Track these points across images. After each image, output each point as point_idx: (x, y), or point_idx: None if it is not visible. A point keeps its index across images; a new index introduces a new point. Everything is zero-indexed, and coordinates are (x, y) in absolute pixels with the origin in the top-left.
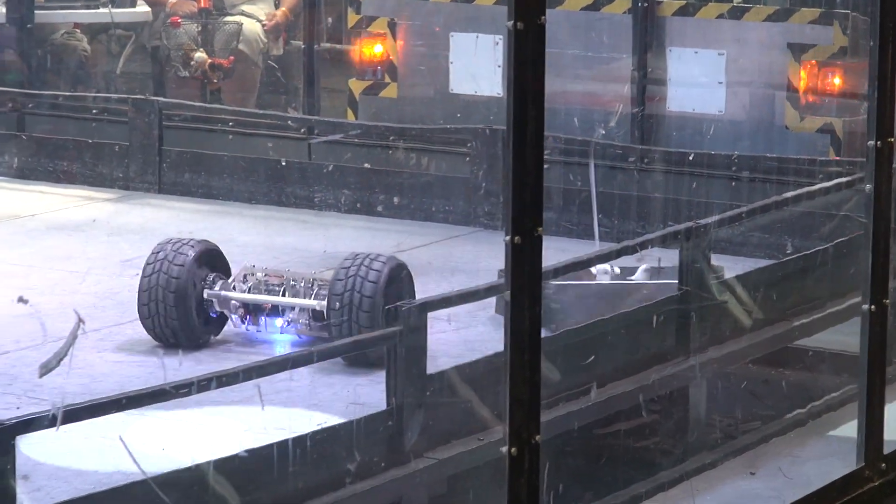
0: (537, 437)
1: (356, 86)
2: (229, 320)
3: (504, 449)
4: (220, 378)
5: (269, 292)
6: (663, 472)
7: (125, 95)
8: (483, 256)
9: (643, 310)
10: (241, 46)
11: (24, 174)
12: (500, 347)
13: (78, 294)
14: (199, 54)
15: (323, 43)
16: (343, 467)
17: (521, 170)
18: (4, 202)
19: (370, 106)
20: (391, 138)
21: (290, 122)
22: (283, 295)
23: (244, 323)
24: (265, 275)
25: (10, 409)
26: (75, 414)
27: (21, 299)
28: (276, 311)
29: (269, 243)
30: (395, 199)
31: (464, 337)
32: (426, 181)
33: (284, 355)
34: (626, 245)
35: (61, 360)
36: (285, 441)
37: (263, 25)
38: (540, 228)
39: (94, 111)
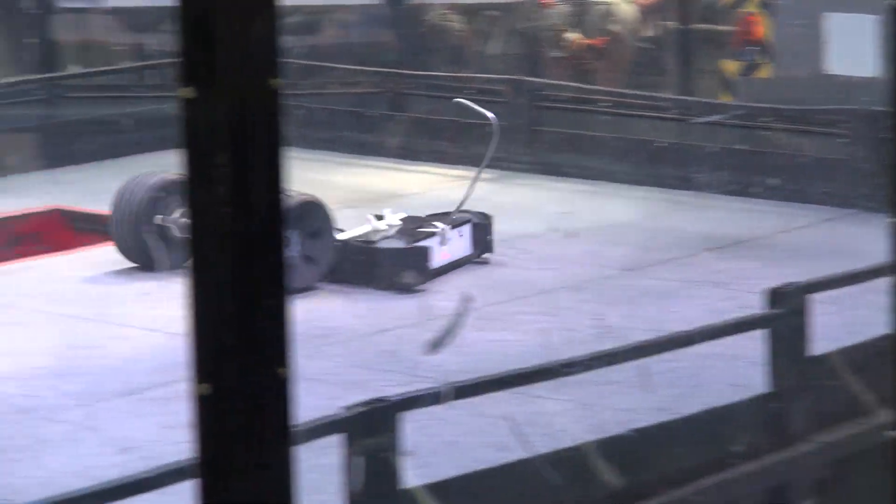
0: None
1: (728, 66)
2: None
3: (891, 433)
4: (603, 357)
5: None
6: None
7: (500, 76)
8: (862, 239)
9: None
10: (613, 27)
11: (403, 154)
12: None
13: (461, 275)
14: (573, 35)
15: (695, 24)
16: (727, 448)
17: None
18: (385, 181)
19: (744, 86)
20: (766, 120)
21: (664, 102)
22: None
23: None
24: None
25: (393, 386)
26: (461, 391)
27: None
28: None
29: (648, 225)
30: (772, 181)
31: (844, 320)
32: (802, 163)
33: (667, 336)
34: None
35: (449, 337)
36: (672, 422)
37: (637, 5)
38: None
39: (470, 91)
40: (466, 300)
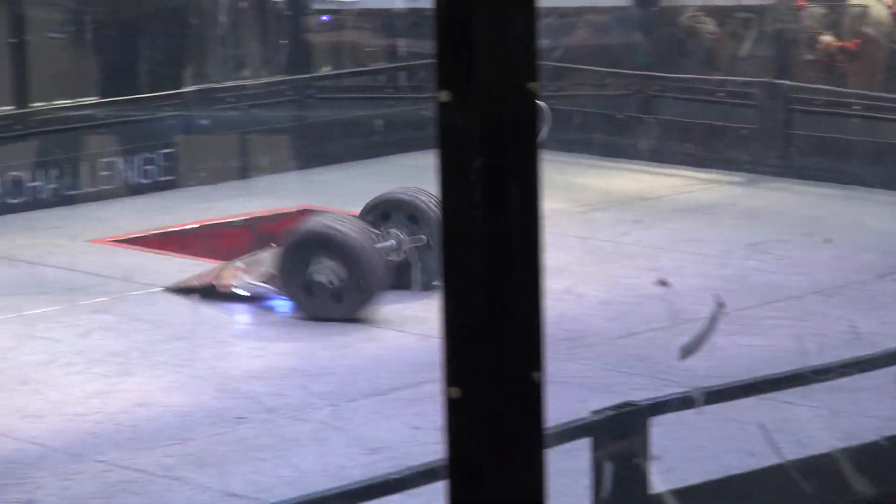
0: None
1: None
2: None
3: None
4: (855, 363)
5: None
6: None
7: (753, 79)
8: None
9: None
10: (867, 29)
11: (653, 156)
12: None
13: (706, 277)
14: (826, 37)
15: None
16: None
17: None
18: (634, 184)
19: None
20: None
21: None
22: None
23: None
24: None
25: (641, 390)
26: (711, 396)
27: (662, 282)
28: None
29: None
30: None
31: None
32: None
33: None
34: None
35: (702, 343)
36: None
37: (890, 8)
38: None
39: (721, 94)
40: (719, 305)
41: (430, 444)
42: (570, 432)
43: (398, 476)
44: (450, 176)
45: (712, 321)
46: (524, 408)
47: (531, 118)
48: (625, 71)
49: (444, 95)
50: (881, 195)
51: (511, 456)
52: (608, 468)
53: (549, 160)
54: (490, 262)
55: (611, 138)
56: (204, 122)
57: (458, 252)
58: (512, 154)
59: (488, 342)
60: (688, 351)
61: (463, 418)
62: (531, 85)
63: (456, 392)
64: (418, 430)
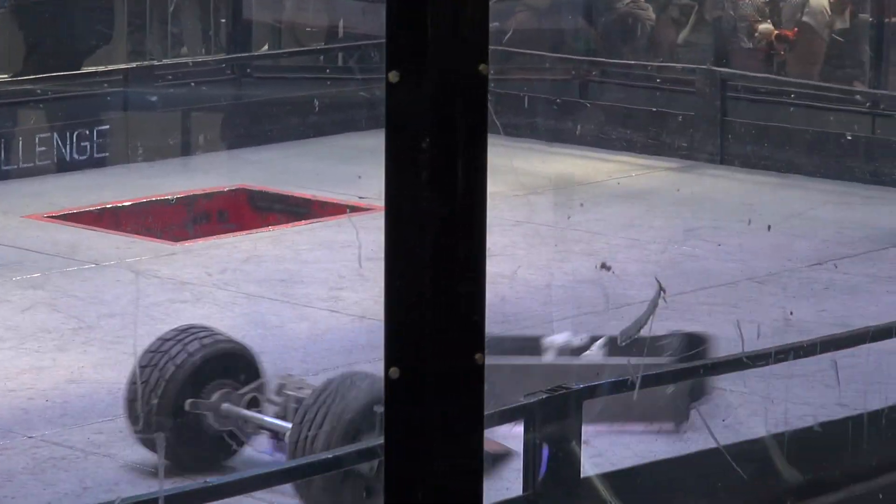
0: None
1: None
2: None
3: None
4: (787, 350)
5: None
6: None
7: (691, 66)
8: None
9: None
10: (805, 18)
11: (589, 142)
12: None
13: (643, 263)
14: (765, 26)
15: (890, 17)
16: None
17: None
18: (574, 168)
19: None
20: None
21: (857, 96)
22: None
23: None
24: None
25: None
26: (643, 380)
27: (604, 265)
28: None
29: (836, 219)
30: None
31: None
32: None
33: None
34: None
35: (641, 328)
36: (859, 416)
37: None
38: None
39: (660, 80)
40: (660, 290)
41: None
42: (505, 414)
43: (338, 454)
44: (397, 156)
45: (652, 306)
46: (466, 390)
47: (482, 100)
48: (565, 56)
49: (394, 76)
50: (818, 183)
51: (452, 437)
52: (541, 451)
53: (490, 144)
54: (434, 243)
55: (551, 123)
56: (141, 99)
57: (402, 232)
58: (461, 136)
59: (431, 323)
60: (628, 335)
61: (403, 399)
62: (482, 67)
63: (396, 372)
64: None
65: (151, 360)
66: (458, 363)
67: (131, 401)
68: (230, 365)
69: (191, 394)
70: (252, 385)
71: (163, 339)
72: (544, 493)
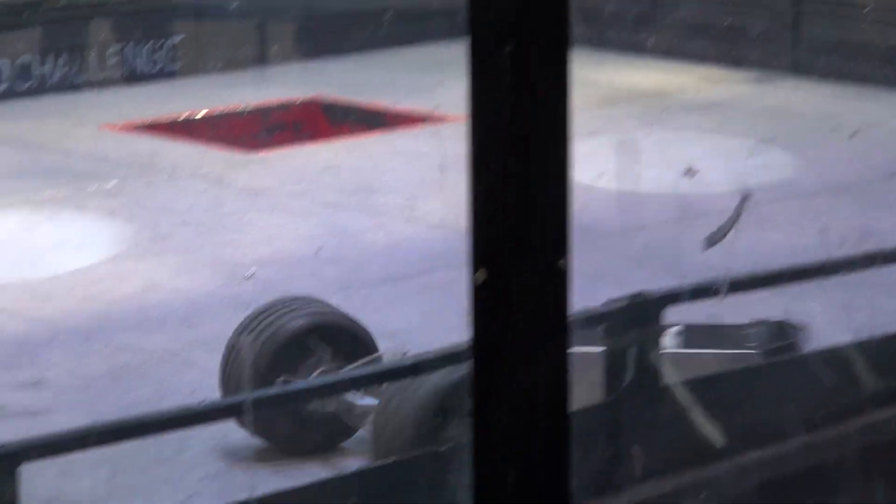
0: None
1: None
2: None
3: None
4: (866, 259)
5: None
6: None
7: None
8: None
9: None
10: None
11: (667, 53)
12: None
13: (718, 173)
14: None
15: None
16: None
17: None
18: (646, 81)
19: None
20: None
21: None
22: None
23: None
24: None
25: (652, 282)
26: (725, 287)
27: (689, 171)
28: None
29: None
30: None
31: None
32: None
33: None
34: None
35: (726, 235)
36: None
37: None
38: None
39: None
40: (745, 197)
41: (442, 332)
42: (588, 320)
43: (424, 358)
44: (479, 62)
45: (737, 213)
46: (550, 294)
47: (564, 6)
48: None
49: None
50: (888, 94)
51: (536, 341)
52: (623, 358)
53: None
54: (518, 149)
55: (627, 35)
56: (215, 9)
57: (486, 139)
58: (543, 42)
59: (516, 228)
60: (712, 242)
61: (488, 304)
62: None
63: (482, 275)
64: (429, 317)
65: (248, 328)
66: (543, 268)
67: (225, 367)
68: (338, 340)
69: (285, 369)
70: (355, 364)
71: (265, 307)
72: (625, 399)
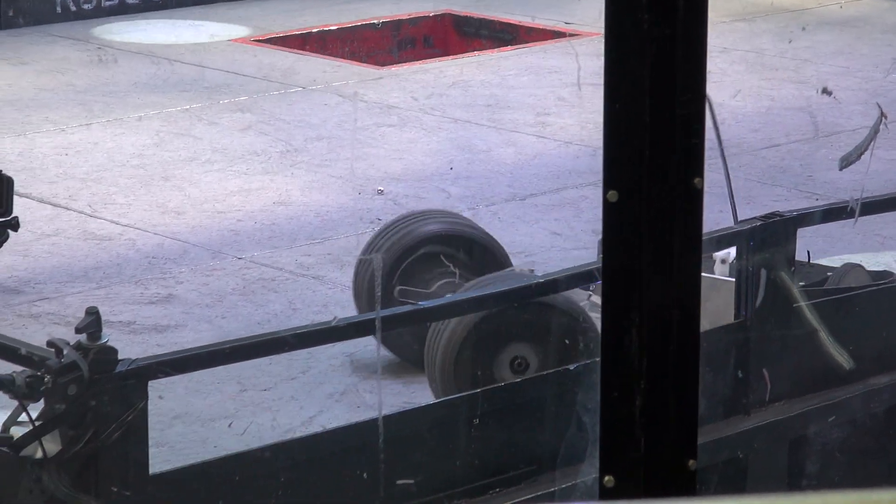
0: None
1: None
2: None
3: None
4: None
5: None
6: None
7: None
8: None
9: None
10: None
11: None
12: None
13: (852, 91)
14: None
15: None
16: None
17: None
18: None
19: None
20: None
21: None
22: None
23: None
24: None
25: (782, 202)
26: (857, 209)
27: (825, 90)
28: None
29: None
30: None
31: None
32: None
33: None
34: None
35: (861, 154)
36: None
37: None
38: None
39: None
40: (882, 116)
41: (570, 250)
42: (720, 240)
43: (555, 277)
44: None
45: (873, 132)
46: (684, 213)
47: None
48: None
49: None
50: None
51: (669, 260)
52: (754, 277)
53: None
54: (654, 66)
55: None
56: None
57: (621, 56)
58: None
59: (650, 147)
60: (848, 161)
61: (621, 222)
62: None
63: (614, 195)
64: (557, 236)
65: (382, 236)
66: (677, 187)
67: (357, 277)
68: (470, 252)
69: (406, 281)
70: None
71: (397, 219)
72: (757, 319)
